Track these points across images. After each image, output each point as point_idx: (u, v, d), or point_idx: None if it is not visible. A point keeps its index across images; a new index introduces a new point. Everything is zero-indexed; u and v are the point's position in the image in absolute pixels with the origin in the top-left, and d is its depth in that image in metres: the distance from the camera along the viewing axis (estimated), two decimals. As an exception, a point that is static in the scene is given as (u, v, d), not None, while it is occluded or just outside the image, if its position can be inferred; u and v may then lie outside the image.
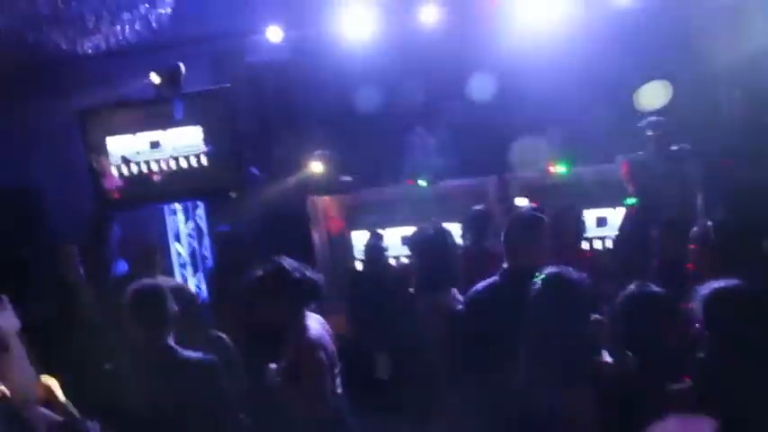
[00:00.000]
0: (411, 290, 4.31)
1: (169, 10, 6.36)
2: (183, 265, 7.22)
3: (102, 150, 6.55)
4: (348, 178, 7.14)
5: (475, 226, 5.09)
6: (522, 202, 6.08)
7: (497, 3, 6.85)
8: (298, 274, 3.40)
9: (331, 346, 3.47)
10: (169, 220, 7.18)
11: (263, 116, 8.21)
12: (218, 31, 7.32)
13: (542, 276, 2.89)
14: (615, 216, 6.05)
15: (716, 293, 2.62)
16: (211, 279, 6.89)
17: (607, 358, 2.90)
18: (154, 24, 6.44)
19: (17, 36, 5.77)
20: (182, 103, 6.45)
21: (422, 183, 6.62)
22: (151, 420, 3.05)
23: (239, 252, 5.76)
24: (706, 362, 2.58)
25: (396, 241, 6.18)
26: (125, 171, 6.56)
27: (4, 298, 3.68)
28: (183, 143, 6.48)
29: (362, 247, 5.93)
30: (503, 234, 3.56)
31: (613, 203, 6.05)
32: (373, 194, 6.94)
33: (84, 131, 6.59)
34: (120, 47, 6.39)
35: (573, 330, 2.78)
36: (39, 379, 3.01)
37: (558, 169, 6.42)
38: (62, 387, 3.04)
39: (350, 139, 7.69)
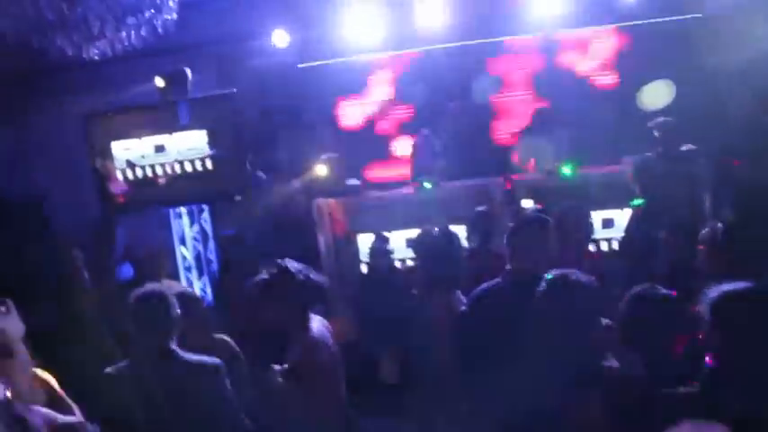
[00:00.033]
0: (415, 292, 4.30)
1: (174, 15, 6.38)
2: (188, 269, 7.21)
3: (108, 155, 6.56)
4: (354, 181, 7.13)
5: (480, 227, 5.07)
6: (527, 203, 6.04)
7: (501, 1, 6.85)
8: (302, 277, 3.40)
9: (335, 349, 3.47)
10: (174, 223, 7.18)
11: (269, 119, 8.21)
12: (223, 35, 7.34)
13: (549, 279, 2.86)
14: (622, 217, 6.02)
15: (725, 296, 2.59)
16: (216, 282, 6.89)
17: (613, 361, 2.85)
18: (159, 29, 6.46)
19: (23, 41, 5.79)
20: (187, 107, 6.46)
21: (427, 185, 6.59)
22: (154, 424, 3.04)
23: (244, 255, 5.75)
24: (715, 365, 2.55)
25: (401, 244, 6.16)
26: (130, 175, 6.56)
27: (10, 303, 3.68)
28: (188, 147, 6.47)
29: (368, 250, 5.92)
30: (507, 236, 3.54)
31: (620, 205, 6.02)
32: (378, 197, 6.92)
33: (90, 136, 6.60)
34: (125, 52, 6.40)
35: (580, 333, 2.75)
36: (35, 374, 3.01)
37: (565, 170, 6.38)
38: (65, 391, 3.04)
39: (354, 141, 7.69)
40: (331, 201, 6.81)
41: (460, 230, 5.18)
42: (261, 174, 7.36)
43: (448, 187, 6.65)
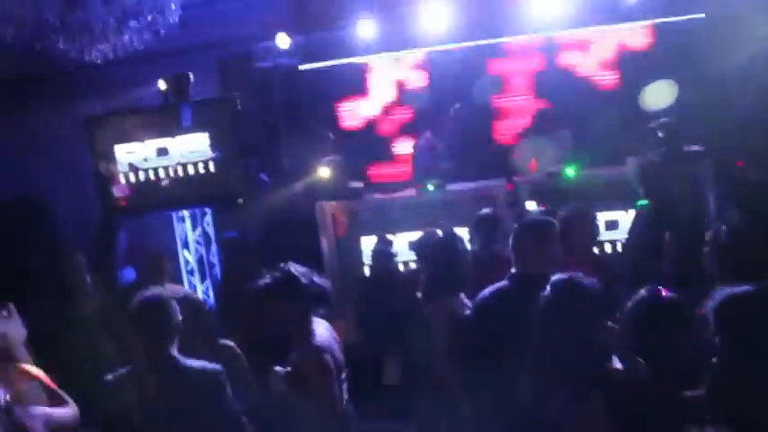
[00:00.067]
0: (419, 294, 4.29)
1: (176, 18, 6.36)
2: (190, 272, 7.21)
3: (111, 158, 6.56)
4: (358, 184, 7.12)
5: (483, 230, 5.05)
6: (531, 205, 6.03)
7: (505, 3, 6.83)
8: (306, 280, 3.39)
9: (338, 352, 3.46)
10: (177, 227, 7.18)
11: (271, 122, 8.20)
12: (226, 37, 7.33)
13: (554, 283, 2.83)
14: (626, 219, 5.99)
15: (729, 299, 2.58)
16: (219, 286, 6.88)
17: (618, 365, 2.83)
18: (161, 32, 6.45)
19: (25, 45, 5.78)
20: (189, 110, 6.46)
21: (429, 187, 6.58)
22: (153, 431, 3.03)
23: (247, 258, 5.74)
24: (720, 369, 2.53)
25: (404, 246, 6.14)
26: (132, 178, 6.56)
27: (11, 307, 3.68)
28: (191, 150, 6.47)
29: (370, 253, 5.90)
30: (511, 239, 3.52)
31: (624, 206, 5.99)
32: (381, 199, 6.91)
33: (92, 139, 6.60)
34: (127, 55, 6.39)
35: (584, 337, 2.72)
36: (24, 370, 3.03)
37: (568, 172, 6.36)
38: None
39: (357, 144, 7.68)
40: (334, 203, 6.80)
41: (463, 233, 5.16)
42: (264, 176, 7.35)
43: (451, 189, 6.63)
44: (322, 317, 3.56)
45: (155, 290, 3.41)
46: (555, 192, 6.14)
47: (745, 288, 2.58)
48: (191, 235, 7.23)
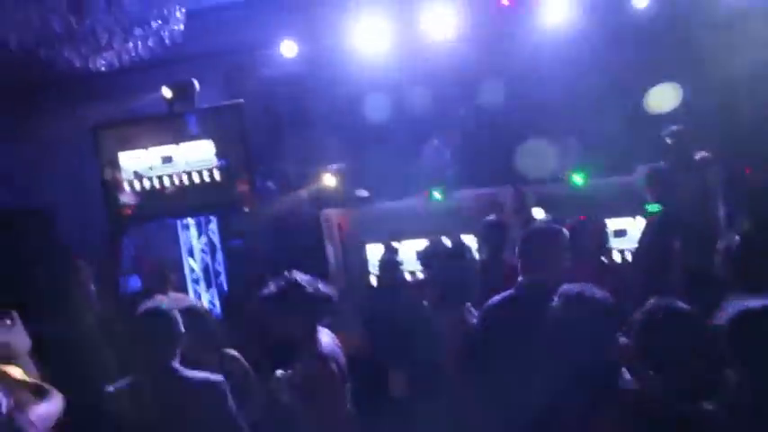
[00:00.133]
0: (426, 303, 4.24)
1: (181, 26, 6.36)
2: (195, 281, 7.18)
3: (116, 165, 6.55)
4: (364, 193, 7.09)
5: (490, 237, 5.01)
6: (538, 212, 5.98)
7: (510, 7, 6.79)
8: (311, 289, 3.36)
9: (343, 362, 3.43)
10: (182, 235, 7.16)
11: (276, 129, 8.19)
12: (231, 45, 7.33)
13: (563, 294, 2.77)
14: (634, 227, 5.94)
15: (743, 313, 2.52)
16: (224, 294, 6.85)
17: (628, 378, 2.76)
18: (166, 40, 6.44)
19: (30, 53, 5.78)
20: (195, 117, 6.45)
21: (436, 195, 6.54)
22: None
23: (252, 267, 5.71)
24: (734, 383, 2.47)
25: (411, 255, 6.10)
26: (137, 186, 6.55)
27: (15, 315, 3.65)
28: (196, 158, 6.47)
29: (377, 261, 5.86)
30: (518, 247, 3.47)
31: (633, 214, 5.94)
32: (387, 207, 6.87)
33: (97, 147, 6.60)
34: (132, 63, 6.39)
35: (594, 350, 2.66)
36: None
37: (575, 179, 6.32)
38: (67, 407, 3.01)
39: (364, 151, 7.65)
40: (339, 211, 6.77)
41: (470, 240, 5.12)
42: (269, 184, 7.33)
43: (458, 197, 6.59)
44: (327, 325, 3.52)
45: (158, 300, 3.38)
46: (562, 199, 6.10)
47: (759, 302, 2.52)
48: (196, 243, 7.21)
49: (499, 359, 3.20)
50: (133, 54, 6.22)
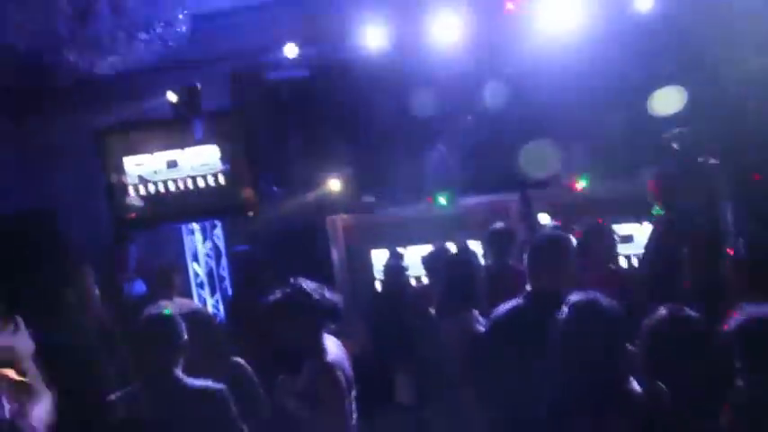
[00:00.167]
0: (432, 310, 4.22)
1: (186, 30, 6.37)
2: (200, 286, 7.17)
3: (120, 170, 6.55)
4: (370, 198, 7.08)
5: (496, 244, 4.99)
6: (544, 218, 5.95)
7: (514, 12, 6.77)
8: (316, 296, 3.33)
9: (349, 369, 3.40)
10: (187, 239, 7.15)
11: (281, 134, 8.18)
12: (236, 49, 7.31)
13: (571, 304, 2.73)
14: (641, 233, 5.91)
15: (752, 321, 2.50)
16: (229, 300, 6.83)
17: (636, 388, 2.72)
18: (171, 44, 6.45)
19: (35, 57, 5.79)
20: (200, 122, 6.44)
21: (442, 200, 6.52)
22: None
23: (257, 272, 5.69)
24: (745, 393, 2.44)
25: (416, 260, 6.07)
26: (142, 191, 6.55)
27: (19, 320, 3.64)
28: (201, 162, 6.46)
29: (382, 267, 5.83)
30: (526, 255, 3.44)
31: (639, 219, 5.92)
32: (393, 213, 6.85)
33: (102, 151, 6.60)
34: (137, 67, 6.40)
35: (603, 360, 2.63)
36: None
37: (580, 184, 6.30)
38: (68, 414, 3.00)
39: (369, 156, 7.64)
40: (344, 216, 6.75)
41: (476, 246, 5.09)
42: (274, 189, 7.33)
43: (463, 203, 6.57)
44: (333, 332, 3.50)
45: (162, 306, 3.35)
46: (568, 205, 6.07)
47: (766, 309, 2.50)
48: (201, 248, 7.20)
49: (507, 368, 3.16)
50: (138, 58, 6.23)
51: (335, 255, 6.66)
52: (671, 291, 4.12)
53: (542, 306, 2.96)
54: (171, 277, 5.18)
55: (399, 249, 5.94)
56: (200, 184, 6.47)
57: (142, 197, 6.56)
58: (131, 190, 6.57)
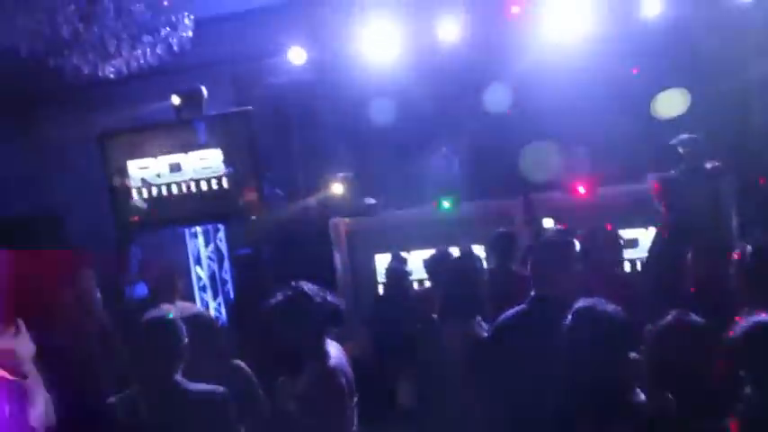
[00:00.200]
0: (435, 315, 4.19)
1: (190, 33, 6.36)
2: (202, 289, 7.16)
3: (124, 173, 6.55)
4: (372, 201, 7.06)
5: (500, 248, 4.97)
6: (548, 223, 5.93)
7: (519, 16, 6.76)
8: (319, 300, 3.31)
9: (351, 374, 3.37)
10: (189, 243, 7.15)
11: (285, 137, 8.17)
12: (240, 52, 7.32)
13: (576, 311, 2.71)
14: (646, 237, 5.88)
15: (758, 327, 2.47)
16: (231, 303, 6.82)
17: (640, 396, 2.69)
18: (175, 47, 6.44)
19: (39, 60, 5.79)
20: (203, 125, 6.44)
21: (445, 204, 6.49)
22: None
23: (260, 275, 5.68)
24: (751, 401, 2.41)
25: (419, 264, 6.06)
26: (146, 194, 6.54)
27: (21, 323, 3.64)
28: (204, 166, 6.47)
29: (384, 271, 5.81)
30: (530, 260, 3.42)
31: (644, 224, 5.88)
32: (396, 216, 6.83)
33: (105, 155, 6.60)
34: (141, 70, 6.39)
35: (607, 368, 2.60)
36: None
37: (582, 189, 6.27)
38: (69, 416, 2.99)
39: (372, 159, 7.62)
40: (347, 220, 6.73)
41: (479, 250, 5.07)
42: (278, 192, 7.31)
43: (466, 206, 6.54)
44: (335, 335, 3.48)
45: (163, 310, 3.33)
46: (572, 209, 6.05)
47: None
48: (203, 251, 7.20)
49: (511, 374, 3.14)
50: (141, 61, 6.22)
51: (338, 258, 6.64)
52: (674, 294, 4.09)
53: (547, 312, 2.94)
54: (173, 280, 5.17)
55: (402, 253, 5.91)
56: (203, 187, 6.47)
57: (145, 200, 6.56)
58: (135, 193, 6.58)
